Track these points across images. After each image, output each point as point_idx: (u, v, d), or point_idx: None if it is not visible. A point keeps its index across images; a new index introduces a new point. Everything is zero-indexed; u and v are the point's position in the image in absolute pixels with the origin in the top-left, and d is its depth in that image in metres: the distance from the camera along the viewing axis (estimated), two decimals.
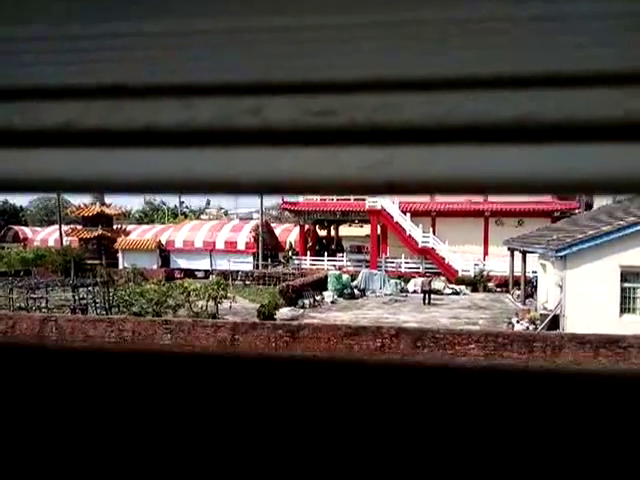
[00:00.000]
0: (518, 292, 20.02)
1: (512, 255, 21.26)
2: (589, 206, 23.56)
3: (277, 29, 0.40)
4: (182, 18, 0.41)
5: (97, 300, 17.76)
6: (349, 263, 27.46)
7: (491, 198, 25.63)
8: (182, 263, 28.66)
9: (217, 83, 0.42)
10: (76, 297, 18.14)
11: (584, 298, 14.02)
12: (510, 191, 0.41)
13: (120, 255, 28.95)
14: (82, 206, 29.49)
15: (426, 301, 19.85)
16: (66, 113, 0.43)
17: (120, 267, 27.73)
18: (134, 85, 0.42)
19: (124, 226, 31.73)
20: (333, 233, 33.94)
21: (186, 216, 45.16)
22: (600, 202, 21.09)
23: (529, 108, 0.38)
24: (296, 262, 27.91)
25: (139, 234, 31.24)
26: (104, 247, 28.42)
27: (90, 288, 18.33)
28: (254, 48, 0.41)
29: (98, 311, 17.33)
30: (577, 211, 24.56)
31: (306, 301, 19.33)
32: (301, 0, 0.39)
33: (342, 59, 0.40)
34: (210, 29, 0.40)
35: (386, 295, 22.30)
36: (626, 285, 14.17)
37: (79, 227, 29.42)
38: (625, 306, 14.20)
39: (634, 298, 14.25)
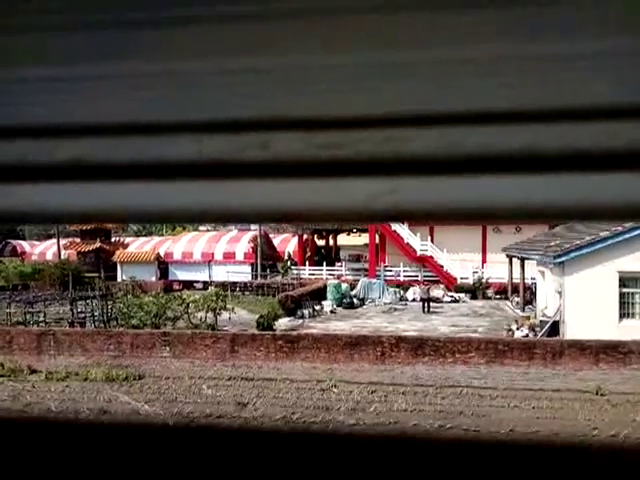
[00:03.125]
0: (517, 299, 20.00)
1: (511, 262, 21.28)
2: None
3: (284, 67, 0.42)
4: (192, 57, 0.42)
5: (95, 313, 17.68)
6: (348, 272, 27.42)
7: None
8: (181, 275, 28.57)
9: (227, 119, 0.43)
10: (74, 310, 18.05)
11: (583, 304, 14.01)
12: (513, 219, 0.43)
13: (119, 268, 28.86)
14: None
15: (425, 309, 19.80)
16: (79, 149, 0.45)
17: (119, 280, 27.64)
18: (146, 122, 0.44)
19: (122, 238, 31.68)
20: (332, 242, 33.93)
21: (184, 228, 45.14)
22: None
23: (532, 140, 0.40)
24: (295, 272, 27.85)
25: (137, 246, 31.19)
26: (102, 260, 28.35)
27: (88, 301, 18.25)
28: (260, 85, 0.42)
29: (96, 324, 17.23)
30: None
31: (305, 311, 19.26)
32: (307, 39, 0.40)
33: (347, 96, 0.42)
34: (220, 68, 0.42)
35: (385, 304, 22.24)
36: (624, 290, 14.18)
37: (77, 240, 29.37)
38: (624, 311, 14.20)
39: (633, 303, 14.25)
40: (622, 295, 14.16)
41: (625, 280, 14.10)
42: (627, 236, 13.83)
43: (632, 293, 14.23)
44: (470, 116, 0.40)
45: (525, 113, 0.39)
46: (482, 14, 0.37)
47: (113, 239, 30.36)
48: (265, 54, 0.41)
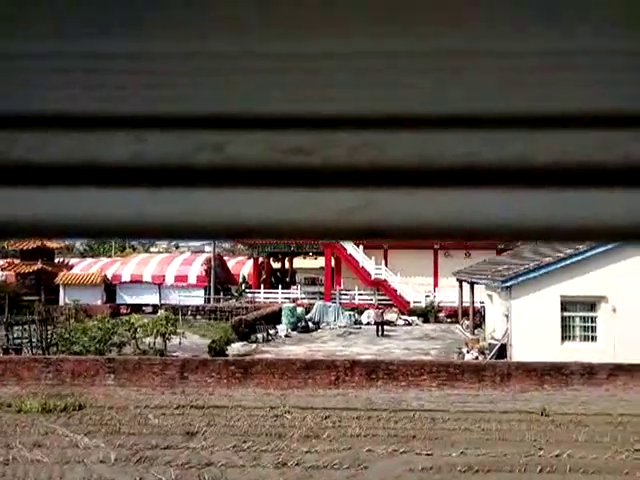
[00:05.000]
0: (467, 322, 20.56)
1: (461, 286, 21.92)
2: None
3: (243, 55, 0.35)
4: (135, 38, 0.35)
5: (33, 339, 16.58)
6: (303, 295, 27.32)
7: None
8: (129, 298, 27.45)
9: (173, 114, 0.36)
10: (10, 336, 16.86)
11: (529, 327, 14.58)
12: (499, 237, 0.38)
13: (61, 290, 27.37)
14: None
15: (379, 333, 19.97)
16: None
17: (61, 303, 26.18)
18: (74, 115, 0.36)
19: (67, 260, 30.16)
20: (287, 265, 33.79)
21: (134, 249, 43.64)
22: None
23: (522, 150, 0.35)
24: (249, 295, 27.44)
25: (83, 268, 29.78)
26: (44, 282, 26.80)
27: (26, 326, 17.12)
28: (217, 76, 0.35)
29: (34, 351, 16.15)
30: (519, 243, 25.86)
31: (259, 335, 18.93)
32: (274, 22, 0.34)
33: (317, 91, 0.35)
34: (167, 53, 0.35)
35: (340, 327, 22.25)
36: (565, 314, 14.90)
37: (16, 261, 27.68)
38: (566, 334, 14.88)
39: (573, 326, 14.97)
40: (564, 319, 14.87)
41: (566, 304, 14.83)
42: (568, 262, 14.62)
43: (572, 317, 14.97)
44: (457, 120, 0.35)
45: (516, 119, 0.35)
46: (472, 9, 0.33)
47: (57, 260, 28.84)
48: (222, 38, 0.34)
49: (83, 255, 41.24)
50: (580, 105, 0.35)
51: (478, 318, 20.25)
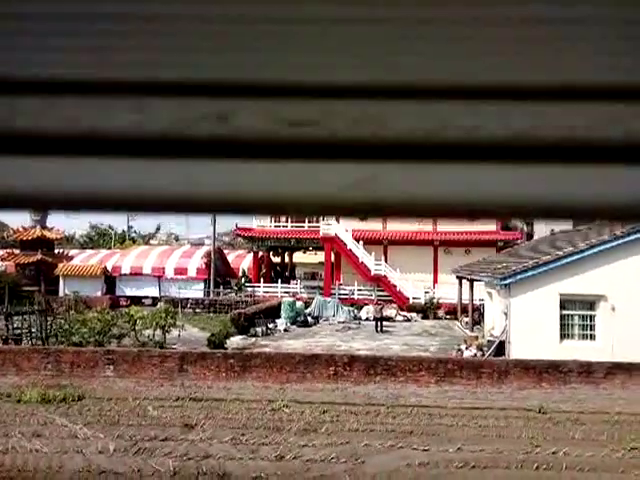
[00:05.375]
0: (466, 319, 20.60)
1: (460, 283, 21.94)
2: (530, 236, 24.87)
3: (249, 19, 0.33)
4: (136, 0, 0.33)
5: (33, 330, 16.61)
6: (303, 290, 27.34)
7: (440, 228, 26.55)
8: (129, 290, 27.48)
9: (175, 81, 0.34)
10: (9, 327, 16.89)
11: (527, 325, 14.61)
12: (503, 215, 0.37)
13: (61, 281, 27.39)
14: (20, 229, 27.82)
15: (378, 328, 20.00)
16: None
17: (60, 294, 26.21)
18: (74, 80, 0.34)
19: (66, 251, 30.16)
20: (287, 260, 33.81)
21: (134, 241, 43.63)
22: (540, 233, 22.28)
23: (527, 124, 0.34)
24: (249, 289, 27.47)
25: (83, 259, 29.78)
26: (44, 273, 26.80)
27: (26, 317, 17.14)
28: (222, 41, 0.33)
29: (34, 341, 16.18)
30: (519, 241, 25.85)
31: (258, 329, 18.96)
32: None
33: (322, 59, 0.34)
34: (169, 15, 0.33)
35: (339, 322, 22.29)
36: (564, 312, 14.92)
37: (16, 251, 27.68)
38: (564, 332, 14.91)
39: (572, 324, 15.00)
40: (562, 317, 14.89)
41: (565, 302, 14.85)
42: (568, 260, 14.62)
43: (571, 315, 14.99)
44: (462, 92, 0.34)
45: (521, 91, 0.34)
46: None
47: (57, 251, 28.84)
48: (226, 1, 0.33)
49: (83, 246, 41.23)
50: (583, 77, 0.34)
51: (477, 315, 20.28)
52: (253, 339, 17.84)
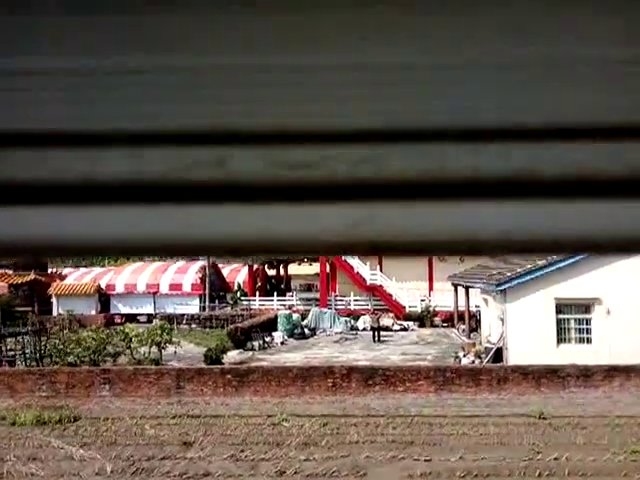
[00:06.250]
0: (463, 326, 20.58)
1: (456, 290, 21.96)
2: None
3: (245, 68, 0.34)
4: (132, 53, 0.34)
5: (27, 350, 16.39)
6: (299, 302, 27.24)
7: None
8: (123, 308, 27.26)
9: (172, 130, 0.35)
10: (3, 348, 16.67)
11: (524, 330, 14.62)
12: (504, 251, 0.37)
13: (54, 301, 27.13)
14: None
15: (376, 338, 19.93)
16: None
17: (54, 314, 25.94)
18: (69, 132, 0.35)
19: (60, 270, 29.92)
20: (282, 272, 33.73)
21: (128, 258, 43.39)
22: None
23: (525, 162, 0.35)
24: (245, 303, 27.33)
25: (76, 278, 29.55)
26: (37, 293, 26.56)
27: (19, 338, 16.93)
28: (217, 90, 0.34)
29: (28, 362, 15.97)
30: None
31: (255, 343, 18.84)
32: (273, 35, 0.33)
33: (319, 106, 0.35)
34: (165, 67, 0.34)
35: (336, 333, 22.20)
36: (561, 317, 14.95)
37: (9, 272, 27.42)
38: (561, 336, 14.93)
39: (568, 328, 15.03)
40: (559, 321, 14.92)
41: (561, 306, 14.88)
42: (562, 264, 14.69)
43: (567, 319, 15.02)
44: (460, 133, 0.34)
45: (518, 131, 0.34)
46: (474, 18, 0.33)
47: (50, 270, 28.61)
48: (220, 50, 0.33)
49: (76, 265, 40.95)
50: (583, 116, 0.35)
51: (474, 322, 20.28)
52: (250, 353, 17.71)
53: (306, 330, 22.06)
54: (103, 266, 36.89)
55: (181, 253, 0.39)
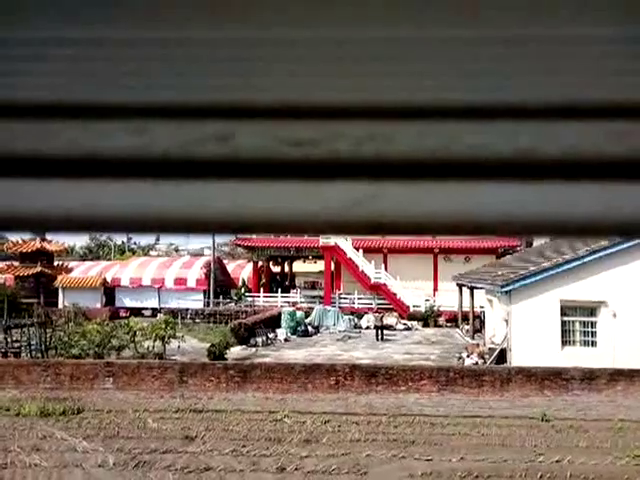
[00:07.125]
0: (467, 327, 20.52)
1: (461, 291, 21.89)
2: (529, 244, 24.91)
3: (249, 42, 0.33)
4: (136, 24, 0.33)
5: (32, 342, 16.53)
6: (303, 299, 27.27)
7: (439, 236, 26.53)
8: (128, 301, 27.40)
9: (175, 104, 0.35)
10: (8, 339, 16.81)
11: (529, 332, 14.56)
12: (508, 232, 0.37)
13: (60, 293, 27.31)
14: (20, 241, 27.79)
15: (379, 337, 19.92)
16: None
17: (60, 306, 26.12)
18: (74, 104, 0.34)
19: (66, 263, 30.11)
20: (287, 269, 33.76)
21: (134, 252, 43.63)
22: (540, 240, 22.28)
23: (532, 142, 0.34)
24: (249, 299, 27.39)
25: (82, 271, 29.74)
26: (43, 285, 26.74)
27: (25, 329, 17.07)
28: (222, 64, 0.34)
29: (33, 354, 16.10)
30: (519, 248, 25.86)
31: (259, 339, 18.89)
32: (277, 8, 0.33)
33: (324, 80, 0.34)
34: (171, 39, 0.33)
35: (340, 331, 22.20)
36: (565, 319, 14.87)
37: (16, 264, 27.63)
38: (566, 339, 14.85)
39: (573, 331, 14.95)
40: (564, 323, 14.84)
41: (566, 309, 14.80)
42: (568, 266, 14.61)
43: (572, 321, 14.94)
44: (465, 111, 0.34)
45: (525, 110, 0.34)
46: None
47: (56, 263, 28.79)
48: (226, 23, 0.33)
49: (83, 258, 41.21)
50: (586, 95, 0.34)
51: (478, 323, 20.21)
52: (253, 349, 17.76)
53: (309, 328, 22.08)
54: (109, 260, 37.10)
55: (183, 230, 0.38)
